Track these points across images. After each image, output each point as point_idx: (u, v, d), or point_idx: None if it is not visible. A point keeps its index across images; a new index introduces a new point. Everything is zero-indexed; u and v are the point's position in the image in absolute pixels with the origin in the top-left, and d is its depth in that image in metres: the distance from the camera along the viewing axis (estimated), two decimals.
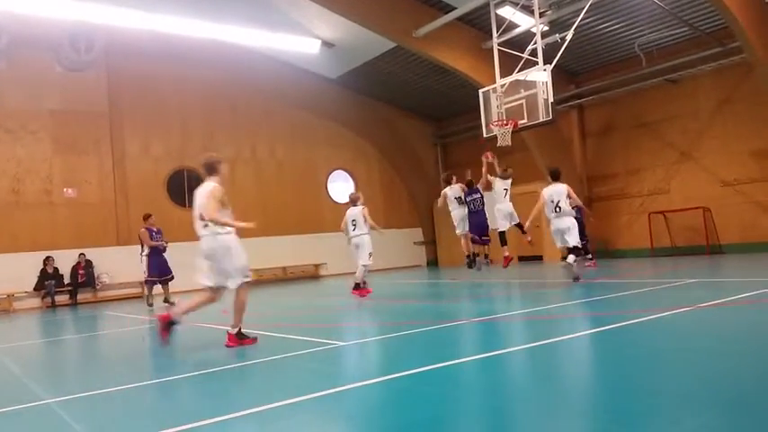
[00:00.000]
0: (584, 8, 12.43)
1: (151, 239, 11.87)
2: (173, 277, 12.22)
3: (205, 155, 6.28)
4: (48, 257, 15.13)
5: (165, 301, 11.86)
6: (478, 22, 15.25)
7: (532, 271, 14.88)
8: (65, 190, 15.95)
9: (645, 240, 16.25)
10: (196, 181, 18.00)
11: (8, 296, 14.75)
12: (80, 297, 15.56)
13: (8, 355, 7.23)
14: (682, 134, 15.95)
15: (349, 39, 16.57)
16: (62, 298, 15.31)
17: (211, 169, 6.20)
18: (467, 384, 3.98)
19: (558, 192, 9.90)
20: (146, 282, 12.30)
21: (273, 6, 15.70)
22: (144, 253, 12.06)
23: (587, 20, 13.89)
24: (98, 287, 15.88)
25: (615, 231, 17.42)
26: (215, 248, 5.92)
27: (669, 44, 15.36)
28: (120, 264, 15.82)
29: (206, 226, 5.93)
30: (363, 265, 10.25)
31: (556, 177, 10.14)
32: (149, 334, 8.42)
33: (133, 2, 14.46)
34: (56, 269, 15.28)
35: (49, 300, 14.96)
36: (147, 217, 12.16)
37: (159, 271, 11.97)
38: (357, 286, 10.31)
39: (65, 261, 15.44)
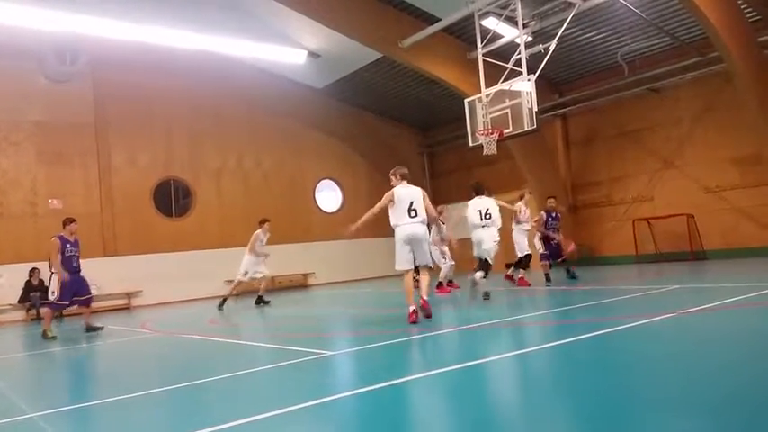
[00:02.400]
0: (567, 19, 12.63)
1: (63, 252, 9.38)
2: (90, 298, 10.09)
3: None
4: (33, 269, 14.98)
5: (90, 329, 9.80)
6: (463, 33, 15.41)
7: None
8: (50, 201, 15.84)
9: (629, 247, 16.41)
10: (183, 191, 18.24)
11: None
12: (65, 309, 15.39)
13: None
14: (664, 142, 16.16)
15: (335, 49, 16.66)
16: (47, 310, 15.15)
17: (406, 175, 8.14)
18: (454, 392, 4.02)
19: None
20: (51, 305, 9.71)
21: (259, 17, 15.77)
22: (53, 270, 9.51)
23: (570, 30, 14.08)
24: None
25: (600, 238, 17.58)
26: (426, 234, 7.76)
27: (651, 54, 15.60)
28: (106, 275, 15.72)
29: (416, 216, 7.63)
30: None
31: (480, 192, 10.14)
32: (139, 345, 8.36)
33: (119, 13, 14.45)
34: (41, 281, 15.12)
35: (33, 312, 14.80)
36: (66, 222, 9.77)
37: (70, 294, 9.54)
38: (440, 285, 11.71)
39: (49, 273, 15.29)
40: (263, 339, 7.17)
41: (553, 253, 11.90)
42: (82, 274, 9.82)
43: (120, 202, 16.88)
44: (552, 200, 12.39)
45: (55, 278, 9.50)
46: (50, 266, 9.64)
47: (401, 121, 22.26)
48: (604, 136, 17.55)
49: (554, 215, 12.12)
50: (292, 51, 16.91)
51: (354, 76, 18.40)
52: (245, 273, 12.94)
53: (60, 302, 9.53)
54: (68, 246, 9.50)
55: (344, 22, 14.64)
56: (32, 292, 14.89)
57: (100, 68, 16.59)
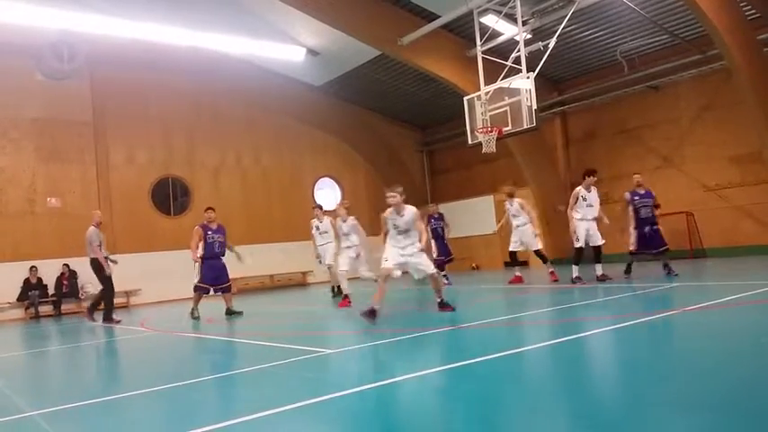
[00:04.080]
0: (566, 16, 12.60)
1: (205, 239, 10.01)
2: (230, 286, 10.42)
3: None
4: (32, 267, 14.96)
5: (228, 313, 10.09)
6: (462, 31, 15.38)
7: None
8: (48, 199, 15.79)
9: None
10: (181, 189, 18.19)
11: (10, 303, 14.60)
12: (64, 307, 15.39)
13: None
14: (664, 140, 16.15)
15: (334, 47, 16.62)
16: (46, 308, 15.14)
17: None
18: (455, 391, 3.99)
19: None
20: (195, 289, 10.17)
21: (258, 14, 15.72)
22: (199, 254, 10.06)
23: (570, 28, 14.05)
24: (82, 297, 15.72)
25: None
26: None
27: (650, 51, 15.58)
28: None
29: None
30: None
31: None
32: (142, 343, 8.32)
33: (116, 10, 14.41)
34: (39, 279, 15.11)
35: (32, 310, 14.77)
36: (206, 210, 10.46)
37: (212, 279, 10.10)
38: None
39: (48, 271, 15.28)
40: (262, 338, 7.15)
41: (646, 243, 10.34)
42: (224, 260, 10.35)
43: (119, 200, 16.84)
44: (638, 176, 10.69)
45: (197, 264, 10.09)
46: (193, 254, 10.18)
47: (400, 119, 22.23)
48: (604, 134, 17.54)
49: (642, 193, 10.41)
50: (291, 49, 16.86)
51: (353, 73, 18.36)
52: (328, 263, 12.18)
53: (201, 285, 10.08)
54: (210, 232, 10.12)
55: (343, 20, 14.60)
56: (31, 291, 14.86)
57: (97, 66, 16.53)
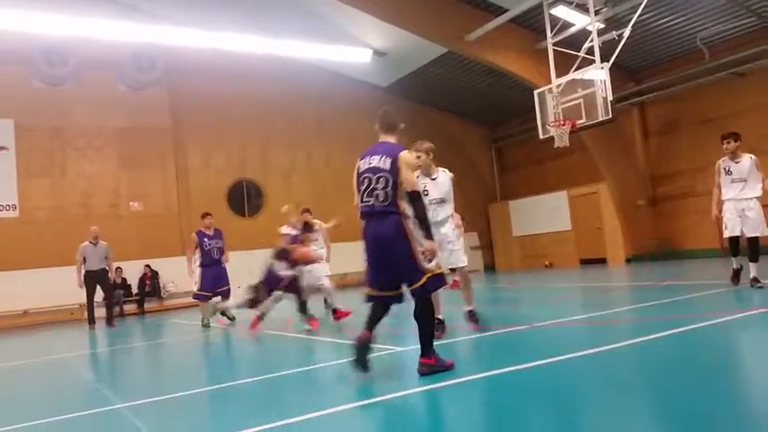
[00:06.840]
0: (641, 4, 12.08)
1: (202, 246, 9.85)
2: (229, 290, 10.21)
3: None
4: (117, 268, 15.73)
5: (223, 314, 9.80)
6: (532, 23, 15.03)
7: (597, 274, 14.48)
8: (131, 203, 16.62)
9: (713, 240, 15.54)
10: (255, 191, 18.70)
11: (80, 306, 15.41)
12: (147, 306, 16.14)
13: (81, 362, 7.54)
14: (751, 129, 15.14)
15: (400, 46, 16.62)
16: (130, 307, 15.91)
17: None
18: (520, 391, 3.89)
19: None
20: (194, 296, 10.17)
21: (325, 18, 15.93)
22: (196, 262, 9.95)
23: (645, 16, 13.46)
24: (164, 296, 16.43)
25: (682, 231, 16.76)
26: None
27: (734, 36, 14.71)
28: (185, 272, 16.30)
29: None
30: None
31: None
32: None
33: (191, 21, 14.98)
34: (124, 279, 15.88)
35: (117, 309, 15.55)
36: (203, 216, 10.35)
37: (212, 284, 9.93)
38: None
39: (132, 271, 16.05)
40: (337, 335, 7.23)
41: None
42: (224, 266, 10.19)
43: (197, 203, 17.44)
44: None
45: (197, 271, 9.92)
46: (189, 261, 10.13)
47: (468, 116, 22.00)
48: (686, 124, 16.70)
49: None
50: (358, 51, 17.00)
51: (420, 72, 18.31)
52: None
53: (200, 293, 9.91)
54: (206, 239, 9.92)
55: (409, 19, 14.59)
56: (115, 290, 15.64)
57: (174, 75, 17.23)
